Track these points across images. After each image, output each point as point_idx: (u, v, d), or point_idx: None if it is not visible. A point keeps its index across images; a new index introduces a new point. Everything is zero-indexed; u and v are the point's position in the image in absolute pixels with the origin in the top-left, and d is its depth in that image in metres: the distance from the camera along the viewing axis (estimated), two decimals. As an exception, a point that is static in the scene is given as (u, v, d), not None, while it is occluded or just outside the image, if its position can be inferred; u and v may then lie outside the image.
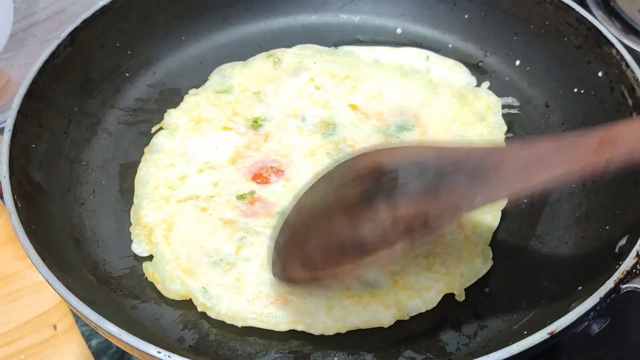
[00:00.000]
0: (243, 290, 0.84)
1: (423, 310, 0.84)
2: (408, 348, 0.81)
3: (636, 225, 0.80)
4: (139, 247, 0.90)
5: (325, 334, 0.82)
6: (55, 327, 0.99)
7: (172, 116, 1.04)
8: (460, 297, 0.85)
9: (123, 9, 1.08)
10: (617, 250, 0.81)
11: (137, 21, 1.11)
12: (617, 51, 0.95)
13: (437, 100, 1.05)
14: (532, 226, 0.93)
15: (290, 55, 1.12)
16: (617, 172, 0.89)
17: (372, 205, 0.73)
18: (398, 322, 0.83)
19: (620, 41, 0.96)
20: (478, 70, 1.13)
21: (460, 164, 0.71)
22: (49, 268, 0.76)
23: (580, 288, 0.80)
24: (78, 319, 0.99)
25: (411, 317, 0.84)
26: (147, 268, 0.87)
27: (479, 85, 1.10)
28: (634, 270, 0.74)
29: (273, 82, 1.08)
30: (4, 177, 0.84)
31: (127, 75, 1.11)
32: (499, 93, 1.09)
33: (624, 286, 0.73)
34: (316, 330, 0.82)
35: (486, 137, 1.01)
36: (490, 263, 0.88)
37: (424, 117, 1.03)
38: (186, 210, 0.92)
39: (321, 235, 0.76)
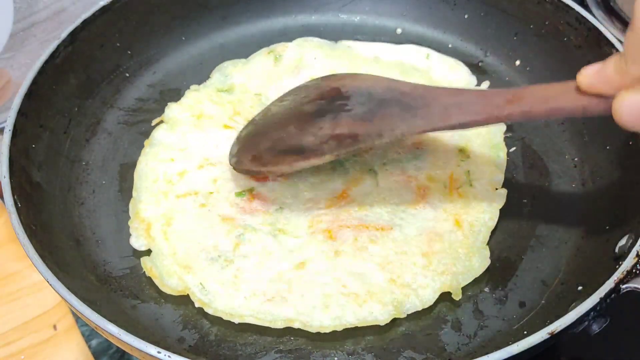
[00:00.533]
0: (240, 287, 0.85)
1: (419, 309, 0.84)
2: (408, 348, 0.81)
3: (636, 225, 0.80)
4: (137, 242, 0.90)
5: (322, 332, 0.82)
6: (55, 327, 0.99)
7: (173, 110, 1.04)
8: (457, 295, 0.85)
9: (123, 9, 1.08)
10: (617, 250, 0.81)
11: (137, 21, 1.11)
12: (617, 51, 0.95)
13: None
14: (532, 226, 0.93)
15: (290, 51, 1.12)
16: (618, 172, 0.89)
17: (319, 122, 0.87)
18: (398, 322, 0.83)
19: (620, 41, 0.96)
20: (478, 70, 1.13)
21: (401, 95, 0.85)
22: (49, 268, 0.76)
23: (580, 288, 0.80)
24: (78, 319, 0.99)
25: (411, 317, 0.84)
26: (145, 262, 0.88)
27: (479, 84, 1.10)
28: (634, 270, 0.74)
29: (274, 82, 1.08)
30: (4, 177, 0.84)
31: (127, 75, 1.11)
32: (499, 93, 1.09)
33: (624, 286, 0.73)
34: (312, 328, 0.82)
35: (485, 136, 1.01)
36: (487, 262, 0.88)
37: None
38: (185, 205, 0.93)
39: (273, 139, 0.90)
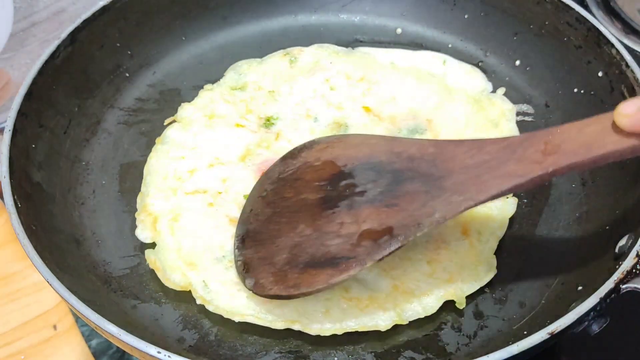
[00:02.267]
0: (242, 287, 0.84)
1: (422, 316, 0.83)
2: (408, 348, 0.81)
3: (636, 225, 0.80)
4: (142, 233, 0.90)
5: (322, 335, 0.82)
6: (55, 327, 0.99)
7: (186, 110, 1.04)
8: (461, 304, 0.84)
9: (123, 9, 1.08)
10: (617, 250, 0.81)
11: (137, 21, 1.11)
12: (617, 51, 0.95)
13: (451, 105, 1.04)
14: (532, 226, 0.93)
15: (307, 55, 1.12)
16: (618, 172, 0.89)
17: (335, 215, 0.74)
18: (398, 325, 0.83)
19: (620, 41, 0.96)
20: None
21: (414, 161, 0.73)
22: (49, 268, 0.76)
23: (580, 288, 0.80)
24: (78, 319, 0.99)
25: (412, 321, 0.83)
26: (149, 255, 0.88)
27: (494, 91, 1.09)
28: (634, 270, 0.74)
29: (288, 81, 1.08)
30: (4, 177, 0.84)
31: (127, 75, 1.11)
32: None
33: (624, 286, 0.73)
34: (312, 331, 0.81)
35: None
36: (494, 272, 0.86)
37: (436, 121, 1.02)
38: (193, 203, 0.93)
39: (288, 248, 0.77)
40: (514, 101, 1.07)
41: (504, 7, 1.11)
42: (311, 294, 0.77)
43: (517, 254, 0.90)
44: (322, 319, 0.82)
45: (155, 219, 0.91)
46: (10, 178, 0.84)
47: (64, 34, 1.00)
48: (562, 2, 1.03)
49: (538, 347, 0.70)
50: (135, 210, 0.95)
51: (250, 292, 0.80)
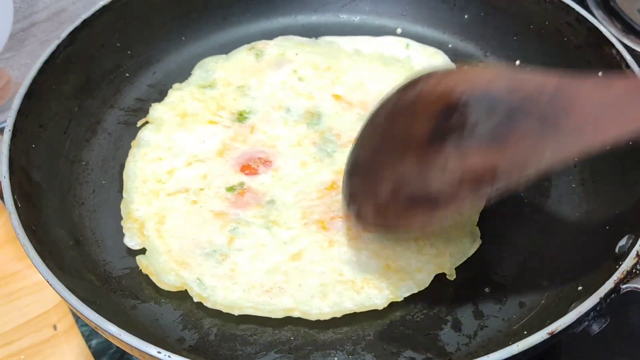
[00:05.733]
0: (238, 280, 0.85)
1: (416, 291, 0.84)
2: (408, 348, 0.81)
3: (636, 225, 0.80)
4: (131, 241, 0.90)
5: (321, 319, 0.82)
6: (55, 327, 0.99)
7: (157, 110, 1.04)
8: (451, 275, 0.86)
9: (123, 9, 1.08)
10: (617, 250, 0.81)
11: (137, 21, 1.11)
12: (617, 51, 0.95)
13: None
14: (531, 226, 0.93)
15: (272, 48, 1.13)
16: (618, 172, 0.89)
17: (441, 150, 0.70)
18: (398, 322, 0.83)
19: (620, 41, 0.96)
20: (478, 70, 1.13)
21: (531, 100, 0.67)
22: (49, 268, 0.76)
23: (580, 288, 0.80)
24: (78, 319, 0.99)
25: (411, 317, 0.84)
26: (141, 261, 0.88)
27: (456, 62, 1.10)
28: (634, 270, 0.74)
29: (256, 75, 1.09)
30: (4, 177, 0.84)
31: (127, 75, 1.11)
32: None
33: (624, 286, 0.73)
34: (312, 316, 0.82)
35: None
36: (478, 242, 0.89)
37: None
38: (176, 203, 0.93)
39: (392, 178, 0.76)
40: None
41: (504, 7, 1.11)
42: (408, 232, 0.82)
43: (517, 254, 0.90)
44: (320, 304, 0.83)
45: (141, 225, 0.91)
46: (10, 178, 0.84)
47: (64, 34, 1.00)
48: (562, 2, 1.03)
49: (538, 347, 0.70)
50: (135, 210, 0.95)
51: (243, 290, 0.83)
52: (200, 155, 0.98)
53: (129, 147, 1.03)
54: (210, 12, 1.18)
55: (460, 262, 0.87)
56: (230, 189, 0.94)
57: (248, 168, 0.97)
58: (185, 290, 0.85)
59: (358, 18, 1.21)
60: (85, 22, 1.03)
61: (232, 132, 1.01)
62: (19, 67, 1.25)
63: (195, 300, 0.84)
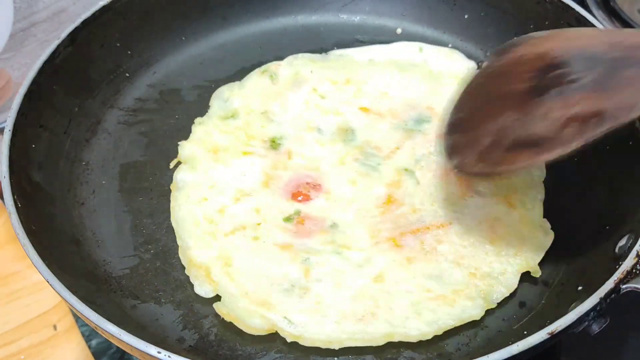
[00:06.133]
0: (326, 312, 0.82)
1: (507, 294, 0.84)
2: (408, 348, 0.81)
3: (636, 225, 0.80)
4: (202, 289, 0.85)
5: (423, 339, 0.80)
6: (55, 327, 0.99)
7: (186, 148, 1.00)
8: (536, 272, 0.86)
9: (123, 9, 1.08)
10: (617, 250, 0.81)
11: (137, 21, 1.11)
12: (617, 51, 0.95)
13: (444, 89, 1.04)
14: (532, 226, 0.93)
15: (284, 68, 1.10)
16: (617, 172, 0.89)
17: (542, 102, 0.74)
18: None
19: (620, 41, 0.96)
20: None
21: (633, 54, 0.70)
22: (49, 268, 0.76)
23: (580, 288, 0.80)
24: (78, 319, 0.99)
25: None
26: (220, 309, 0.83)
27: (479, 67, 1.08)
28: (634, 270, 0.74)
29: (276, 98, 1.06)
30: (4, 177, 0.84)
31: (127, 75, 1.11)
32: (499, 93, 1.09)
33: (624, 286, 0.73)
34: (414, 338, 0.80)
35: None
36: (551, 234, 0.89)
37: (437, 107, 1.02)
38: (237, 242, 0.89)
39: (493, 131, 0.79)
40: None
41: (504, 7, 1.11)
42: (513, 172, 0.85)
43: (517, 254, 0.90)
44: (417, 324, 0.81)
45: (207, 270, 0.86)
46: (10, 178, 0.84)
47: (64, 34, 1.00)
48: (562, 2, 1.03)
49: (538, 347, 0.70)
50: (136, 210, 0.95)
51: (334, 322, 0.81)
52: (246, 189, 0.94)
53: (129, 147, 1.03)
54: (210, 12, 1.18)
55: (540, 258, 0.87)
56: (288, 219, 0.91)
57: (300, 194, 0.94)
58: (184, 293, 0.85)
59: (358, 18, 1.21)
60: (85, 22, 1.03)
61: (270, 160, 0.98)
62: (19, 67, 1.25)
63: (289, 340, 0.81)
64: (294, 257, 0.87)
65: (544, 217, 0.91)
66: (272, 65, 1.11)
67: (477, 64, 1.13)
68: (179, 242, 0.90)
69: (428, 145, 0.98)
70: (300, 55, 1.12)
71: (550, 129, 0.74)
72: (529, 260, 0.86)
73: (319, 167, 0.97)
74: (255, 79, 1.09)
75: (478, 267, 0.86)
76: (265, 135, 1.01)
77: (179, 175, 0.97)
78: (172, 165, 1.00)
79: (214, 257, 0.87)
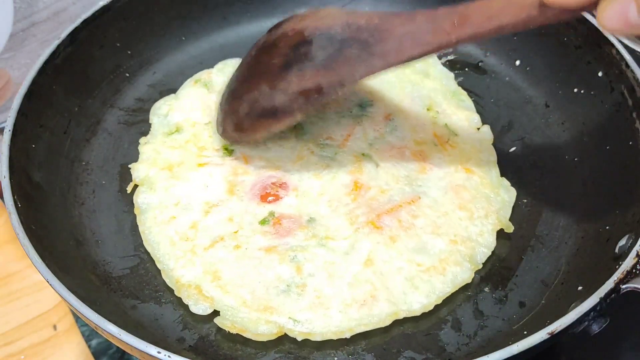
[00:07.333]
0: (329, 305, 0.83)
1: (489, 254, 0.89)
2: (408, 348, 0.81)
3: (636, 225, 0.80)
4: (198, 308, 0.84)
5: (426, 312, 0.84)
6: (55, 327, 0.99)
7: (139, 170, 0.97)
8: (509, 228, 0.91)
9: (123, 9, 1.08)
10: (617, 250, 0.81)
11: (137, 21, 1.11)
12: (617, 51, 0.95)
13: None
14: (532, 226, 0.93)
15: (216, 76, 1.09)
16: (618, 172, 0.88)
17: (287, 77, 0.86)
18: (398, 322, 0.83)
19: (620, 41, 0.96)
20: (478, 70, 1.13)
21: (358, 32, 0.83)
22: (49, 268, 0.76)
23: (580, 288, 0.80)
24: (78, 319, 1.00)
25: (411, 317, 0.84)
26: (223, 323, 0.82)
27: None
28: (634, 270, 0.74)
29: (216, 108, 1.01)
30: (4, 177, 0.84)
31: (127, 75, 1.11)
32: (499, 92, 1.09)
33: (624, 286, 0.73)
34: (417, 312, 0.83)
35: (440, 89, 1.07)
36: (513, 190, 0.95)
37: (375, 91, 1.06)
38: (219, 254, 0.88)
39: (250, 102, 0.90)
40: (515, 101, 1.08)
41: (504, 7, 1.11)
42: (257, 139, 0.95)
43: (517, 253, 0.90)
44: (416, 297, 0.84)
45: (198, 288, 0.85)
46: (10, 178, 0.84)
47: (64, 34, 1.01)
48: (562, 2, 1.03)
49: (538, 347, 0.70)
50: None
51: (339, 312, 0.83)
52: (213, 200, 0.93)
53: (129, 147, 1.03)
54: (210, 12, 1.18)
55: (509, 215, 0.93)
56: (264, 221, 0.90)
57: (269, 195, 0.93)
58: (186, 293, 0.85)
59: (358, 18, 1.21)
60: (85, 22, 1.03)
61: (228, 167, 0.96)
62: (19, 67, 1.25)
63: (299, 339, 0.81)
64: (281, 258, 0.87)
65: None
66: (204, 74, 1.10)
67: (477, 63, 1.14)
68: (159, 265, 0.88)
69: (378, 128, 1.01)
70: (227, 60, 1.12)
71: (284, 101, 0.87)
72: (500, 218, 0.92)
73: (280, 166, 0.97)
74: (189, 90, 1.08)
75: (457, 234, 0.89)
76: (216, 143, 1.00)
77: (140, 199, 0.94)
78: (129, 190, 0.97)
79: (200, 273, 0.86)
